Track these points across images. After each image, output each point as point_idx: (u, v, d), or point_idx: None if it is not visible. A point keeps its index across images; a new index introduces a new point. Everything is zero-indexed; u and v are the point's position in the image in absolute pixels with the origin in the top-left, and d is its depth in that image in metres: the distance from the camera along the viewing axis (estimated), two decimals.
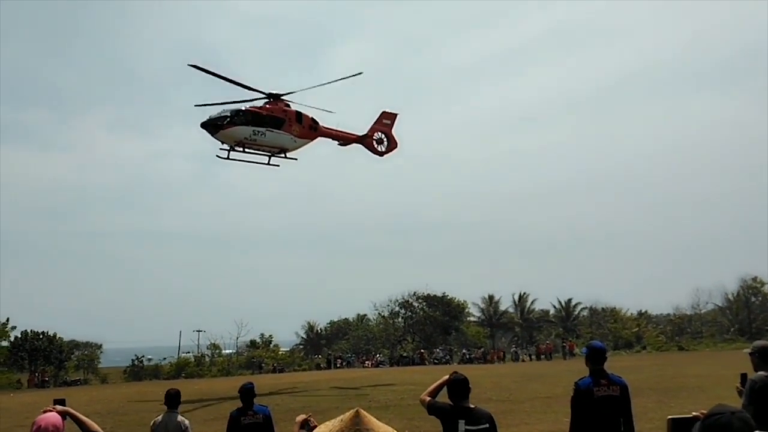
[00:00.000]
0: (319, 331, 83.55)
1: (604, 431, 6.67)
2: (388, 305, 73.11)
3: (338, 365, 61.31)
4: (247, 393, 8.69)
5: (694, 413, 4.90)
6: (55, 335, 61.62)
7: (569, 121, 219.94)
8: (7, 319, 58.70)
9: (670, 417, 4.89)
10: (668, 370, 32.02)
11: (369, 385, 30.07)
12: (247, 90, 34.66)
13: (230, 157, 35.13)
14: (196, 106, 35.45)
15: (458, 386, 5.85)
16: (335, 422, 3.22)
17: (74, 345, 69.27)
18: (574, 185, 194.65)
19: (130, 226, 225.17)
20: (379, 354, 66.52)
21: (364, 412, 3.11)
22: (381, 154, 41.11)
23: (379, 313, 74.97)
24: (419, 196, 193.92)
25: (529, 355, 63.86)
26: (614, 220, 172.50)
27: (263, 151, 35.86)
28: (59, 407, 4.92)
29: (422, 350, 63.73)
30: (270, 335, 73.33)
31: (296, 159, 37.42)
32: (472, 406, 5.80)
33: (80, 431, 5.13)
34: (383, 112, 41.43)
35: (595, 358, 6.95)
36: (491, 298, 78.96)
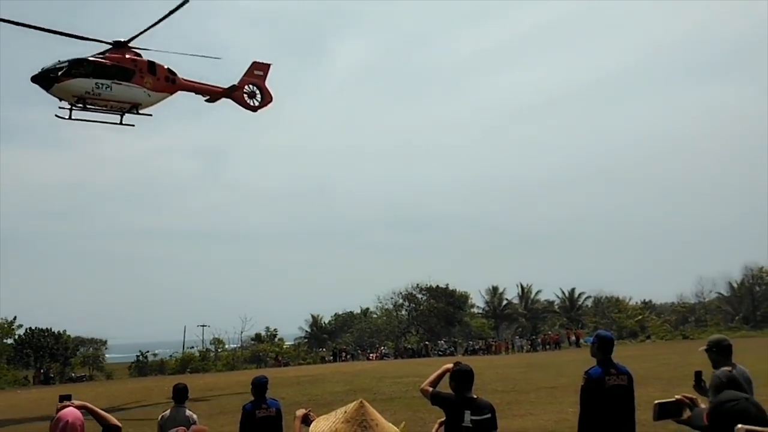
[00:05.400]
0: (324, 324, 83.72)
1: (615, 420, 6.70)
2: (392, 298, 73.36)
3: (343, 358, 61.51)
4: (260, 387, 8.61)
5: (677, 396, 4.93)
6: (62, 332, 61.90)
7: (571, 110, 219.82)
8: (14, 318, 58.96)
9: (657, 401, 4.95)
10: (673, 359, 32.00)
11: (374, 378, 30.15)
12: (85, 41, 30.40)
13: (73, 117, 30.84)
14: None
15: (463, 377, 5.86)
16: (338, 414, 3.23)
17: (79, 341, 69.48)
18: (577, 175, 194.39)
19: (134, 224, 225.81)
20: (384, 346, 66.68)
21: (368, 404, 3.12)
22: (254, 108, 36.97)
23: (382, 306, 75.26)
24: (421, 190, 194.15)
25: (532, 345, 63.59)
26: (618, 210, 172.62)
27: (112, 107, 31.63)
28: (77, 402, 4.89)
29: (427, 342, 63.89)
30: (275, 329, 73.63)
31: (151, 115, 33.39)
32: (475, 396, 5.83)
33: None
34: (254, 63, 37.39)
35: (604, 347, 6.96)
36: (495, 289, 79.05)
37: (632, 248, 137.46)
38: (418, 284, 72.66)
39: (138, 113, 32.54)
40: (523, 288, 79.74)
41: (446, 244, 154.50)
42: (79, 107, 30.60)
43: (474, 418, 5.64)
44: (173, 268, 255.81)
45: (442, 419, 5.90)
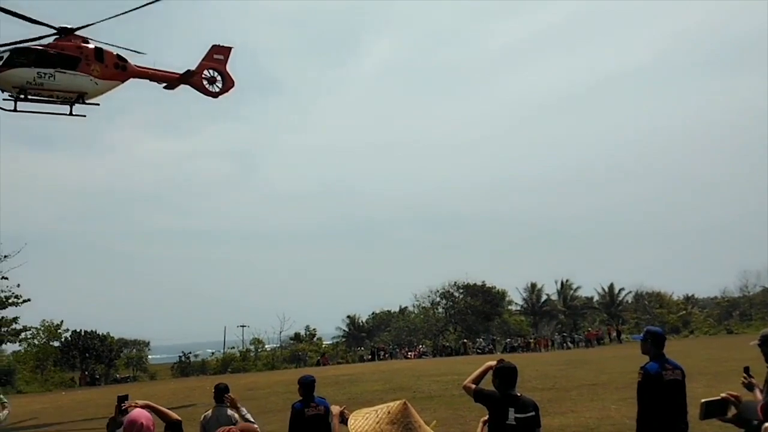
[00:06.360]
0: (361, 323, 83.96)
1: (672, 415, 6.70)
2: (429, 296, 73.23)
3: (381, 357, 61.60)
4: (308, 386, 8.69)
5: (722, 395, 4.88)
6: (107, 334, 63.18)
7: (604, 105, 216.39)
8: (61, 321, 60.34)
9: (703, 400, 4.91)
10: (717, 354, 31.35)
11: (413, 376, 30.10)
12: (31, 24, 28.77)
13: (18, 109, 29.22)
14: None
15: (507, 374, 5.81)
16: (380, 413, 3.18)
17: (123, 343, 70.91)
18: (614, 170, 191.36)
19: (172, 227, 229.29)
20: (422, 345, 66.57)
21: (410, 405, 3.08)
22: (215, 95, 35.00)
23: (419, 305, 75.16)
24: (456, 187, 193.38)
25: (571, 341, 62.39)
26: (658, 204, 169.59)
27: (58, 97, 30.04)
28: (140, 401, 5.04)
29: (465, 340, 63.56)
30: (314, 328, 74.19)
31: (98, 104, 31.46)
32: (519, 393, 5.77)
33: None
34: (214, 46, 35.18)
35: (657, 342, 6.97)
36: (533, 286, 78.36)
37: (673, 243, 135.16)
38: (455, 282, 72.49)
39: (85, 103, 30.91)
40: (563, 284, 78.87)
41: (480, 241, 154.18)
42: (21, 98, 29.13)
43: (518, 415, 5.59)
44: (213, 270, 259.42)
45: (486, 417, 5.85)
